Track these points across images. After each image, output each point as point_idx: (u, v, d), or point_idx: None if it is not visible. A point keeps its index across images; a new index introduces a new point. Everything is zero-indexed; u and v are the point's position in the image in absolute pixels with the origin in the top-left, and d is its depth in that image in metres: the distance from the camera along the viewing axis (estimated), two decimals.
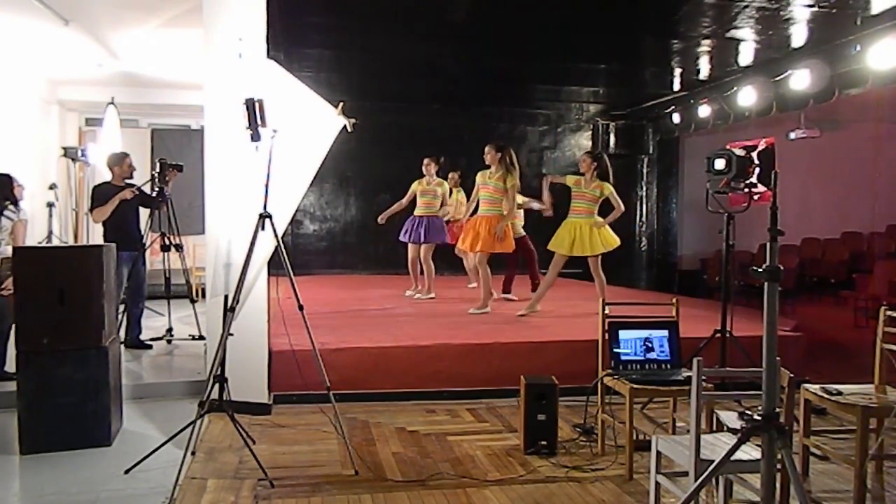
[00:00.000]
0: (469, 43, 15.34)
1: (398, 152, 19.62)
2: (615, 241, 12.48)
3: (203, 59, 9.03)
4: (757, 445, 4.82)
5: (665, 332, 7.56)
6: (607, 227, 12.49)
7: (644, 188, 23.09)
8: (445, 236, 15.15)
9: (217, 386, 7.65)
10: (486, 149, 12.98)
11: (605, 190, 12.39)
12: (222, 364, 7.64)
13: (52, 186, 15.83)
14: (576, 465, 7.38)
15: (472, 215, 13.29)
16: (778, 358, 4.50)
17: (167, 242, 12.62)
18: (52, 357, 7.59)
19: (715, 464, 4.70)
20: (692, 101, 18.75)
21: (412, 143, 19.84)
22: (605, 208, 12.58)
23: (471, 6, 12.92)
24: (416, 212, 15.13)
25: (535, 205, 14.83)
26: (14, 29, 13.19)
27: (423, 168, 15.26)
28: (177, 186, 12.35)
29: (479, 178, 13.07)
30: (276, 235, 7.37)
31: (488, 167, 12.96)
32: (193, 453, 7.47)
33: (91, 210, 11.47)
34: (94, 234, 14.02)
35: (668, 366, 7.47)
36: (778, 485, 5.05)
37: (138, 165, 12.34)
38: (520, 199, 14.38)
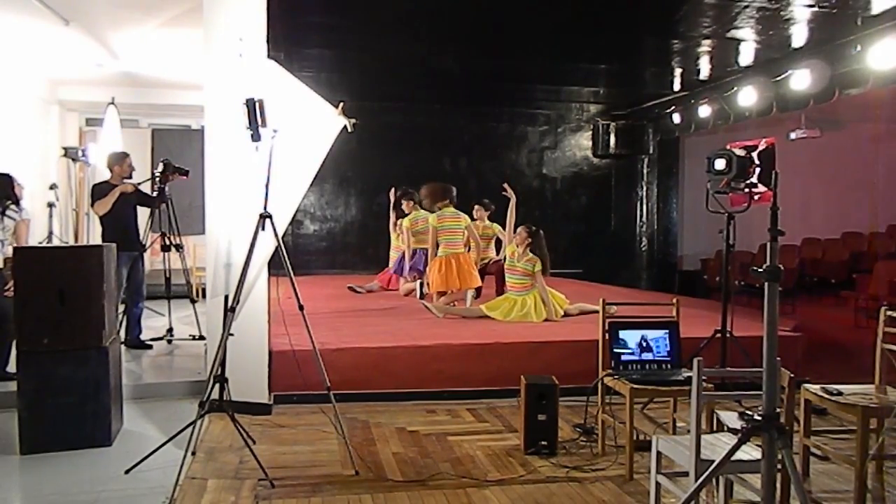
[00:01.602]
0: (469, 43, 15.38)
1: (399, 152, 19.71)
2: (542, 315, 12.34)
3: (203, 59, 9.03)
4: (757, 445, 4.83)
5: (665, 333, 7.56)
6: (543, 298, 12.39)
7: (644, 188, 23.15)
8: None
9: (217, 386, 7.67)
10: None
11: (536, 267, 12.32)
12: (223, 364, 7.66)
13: (53, 186, 15.81)
14: (576, 466, 7.39)
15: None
16: (778, 358, 4.51)
17: (167, 242, 12.65)
18: (53, 357, 7.60)
19: (715, 464, 4.71)
20: (692, 101, 18.79)
21: (412, 144, 20.00)
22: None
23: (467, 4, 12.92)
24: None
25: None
26: (14, 29, 13.18)
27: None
28: (177, 186, 12.35)
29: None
30: (276, 235, 7.37)
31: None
32: (194, 453, 7.49)
33: (92, 205, 11.47)
34: (95, 235, 13.98)
35: (669, 366, 7.47)
36: (778, 485, 5.05)
37: (138, 166, 12.33)
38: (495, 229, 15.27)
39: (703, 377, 5.24)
